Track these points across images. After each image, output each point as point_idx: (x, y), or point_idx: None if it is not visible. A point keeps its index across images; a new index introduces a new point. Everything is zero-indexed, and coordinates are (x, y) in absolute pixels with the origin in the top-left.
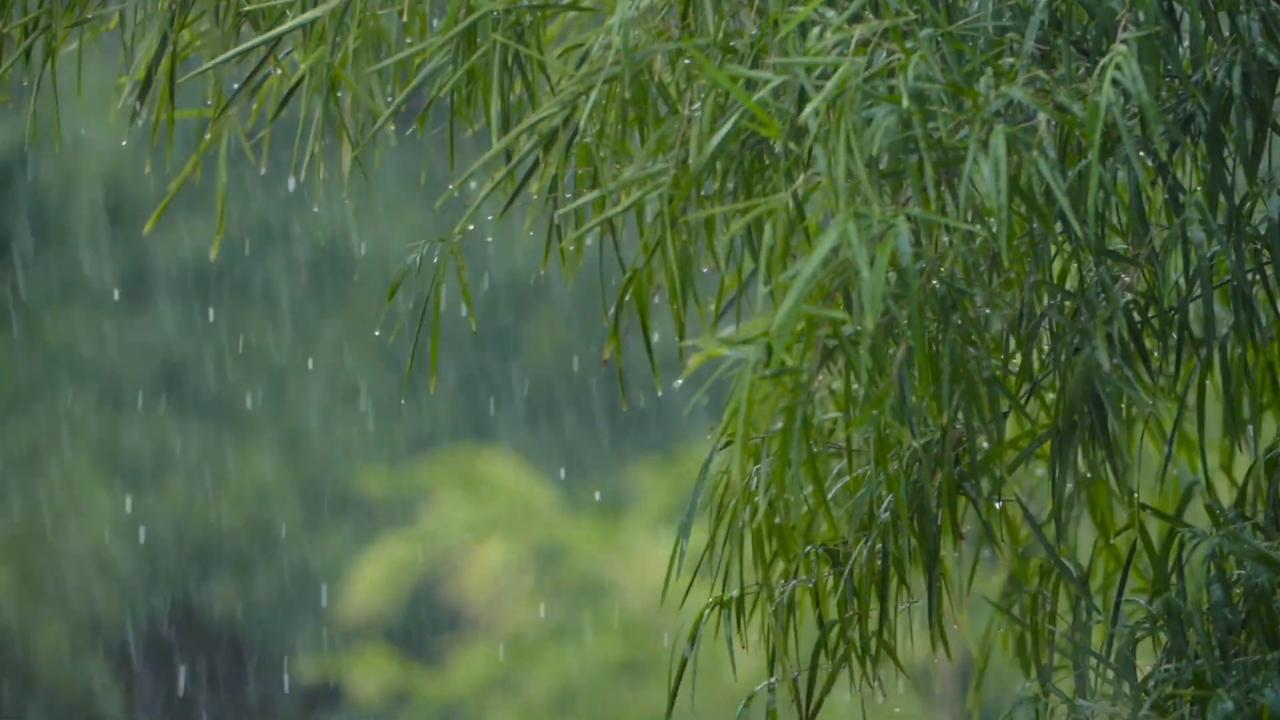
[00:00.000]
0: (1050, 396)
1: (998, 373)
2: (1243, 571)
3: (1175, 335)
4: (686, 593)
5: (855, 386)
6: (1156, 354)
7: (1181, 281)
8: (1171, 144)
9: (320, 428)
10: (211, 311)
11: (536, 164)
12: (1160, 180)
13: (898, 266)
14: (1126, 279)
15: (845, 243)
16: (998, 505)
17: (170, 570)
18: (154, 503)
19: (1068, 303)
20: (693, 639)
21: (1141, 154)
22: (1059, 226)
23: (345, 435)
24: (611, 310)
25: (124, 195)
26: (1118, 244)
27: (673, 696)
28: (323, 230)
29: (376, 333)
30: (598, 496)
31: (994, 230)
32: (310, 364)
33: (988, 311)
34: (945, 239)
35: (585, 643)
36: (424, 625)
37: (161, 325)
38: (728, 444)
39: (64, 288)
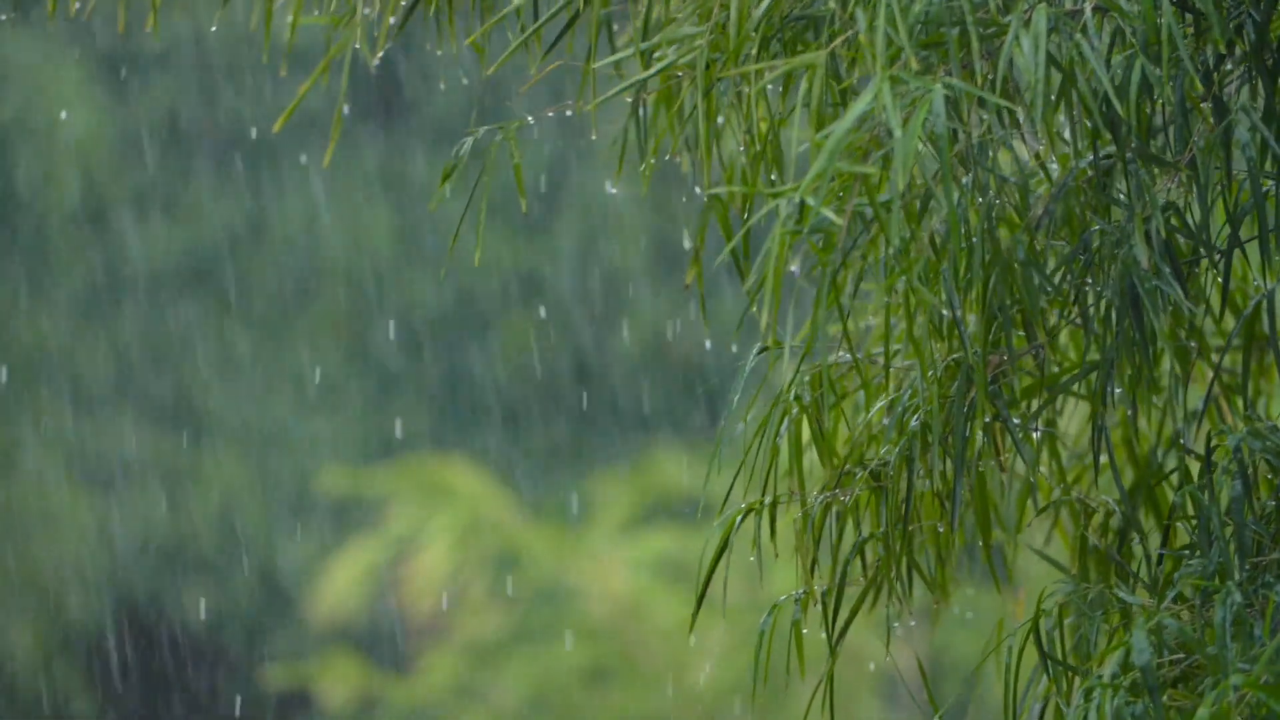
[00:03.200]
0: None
1: (1034, 255)
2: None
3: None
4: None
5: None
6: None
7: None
8: (1218, 54)
9: (289, 431)
10: (184, 313)
11: (576, 17)
12: (1205, 86)
13: (933, 135)
14: (1168, 184)
15: (880, 105)
16: (1036, 434)
17: (141, 574)
18: (125, 506)
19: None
20: (723, 546)
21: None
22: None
23: (314, 439)
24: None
25: (97, 193)
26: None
27: (699, 600)
28: (294, 231)
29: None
30: (566, 503)
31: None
32: (280, 366)
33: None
34: (982, 116)
35: (551, 649)
36: (391, 631)
37: (133, 327)
38: (764, 350)
39: (33, 289)
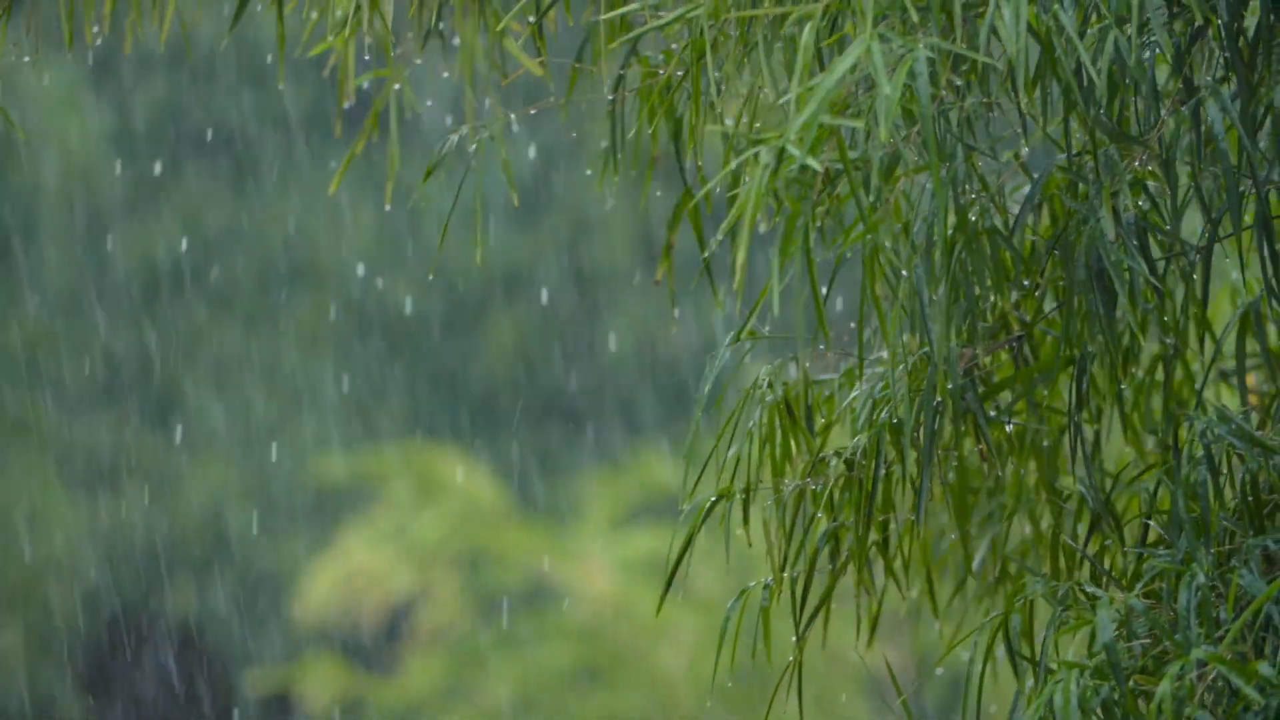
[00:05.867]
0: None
1: (1000, 227)
2: (1246, 466)
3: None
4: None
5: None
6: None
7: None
8: (1192, 35)
9: (276, 430)
10: (168, 313)
11: None
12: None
13: (912, 95)
14: (1137, 163)
15: (865, 60)
16: (1009, 427)
17: (127, 575)
18: (111, 507)
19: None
20: (695, 531)
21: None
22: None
23: (301, 439)
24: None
25: (84, 196)
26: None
27: (669, 583)
28: (277, 231)
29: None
30: (554, 501)
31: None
32: (267, 365)
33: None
34: (959, 84)
35: (537, 649)
36: (376, 633)
37: (120, 325)
38: (738, 339)
39: (22, 289)
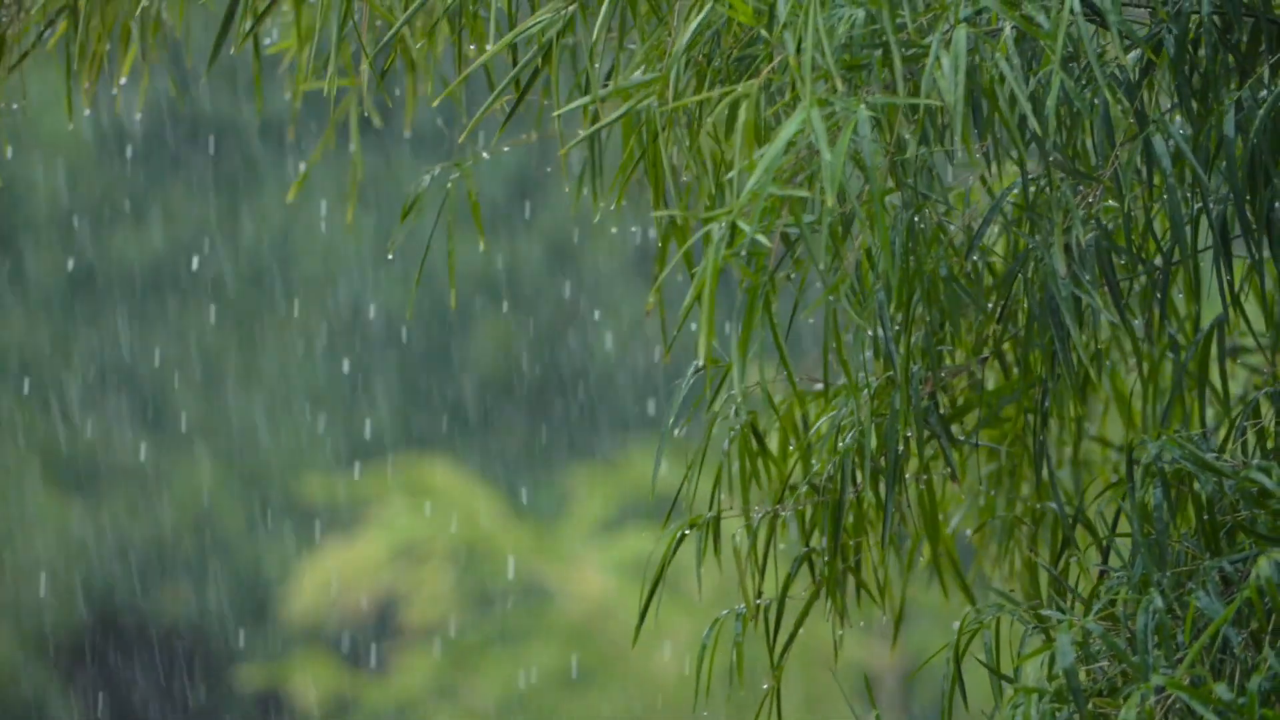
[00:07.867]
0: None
1: (956, 270)
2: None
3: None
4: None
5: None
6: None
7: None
8: (1142, 70)
9: (265, 433)
10: (158, 315)
11: (536, 74)
12: (1128, 102)
13: (858, 157)
14: (1090, 200)
15: (808, 128)
16: (973, 445)
17: (116, 576)
18: (101, 508)
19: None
20: (665, 566)
21: (1113, 76)
22: (1024, 140)
23: (290, 441)
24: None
25: (74, 193)
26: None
27: (642, 615)
28: (268, 235)
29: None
30: (533, 502)
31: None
32: (255, 369)
33: (946, 211)
34: (905, 136)
35: (527, 649)
36: (367, 632)
37: (107, 329)
38: (700, 370)
39: (9, 289)
